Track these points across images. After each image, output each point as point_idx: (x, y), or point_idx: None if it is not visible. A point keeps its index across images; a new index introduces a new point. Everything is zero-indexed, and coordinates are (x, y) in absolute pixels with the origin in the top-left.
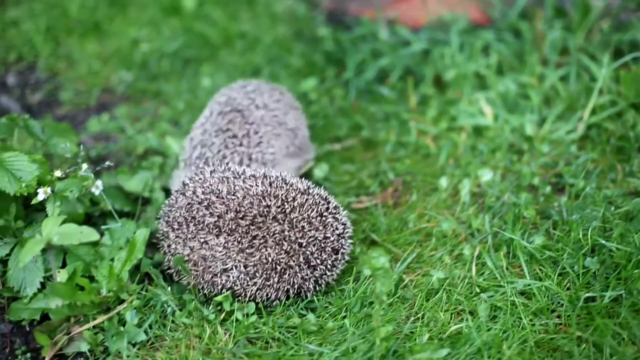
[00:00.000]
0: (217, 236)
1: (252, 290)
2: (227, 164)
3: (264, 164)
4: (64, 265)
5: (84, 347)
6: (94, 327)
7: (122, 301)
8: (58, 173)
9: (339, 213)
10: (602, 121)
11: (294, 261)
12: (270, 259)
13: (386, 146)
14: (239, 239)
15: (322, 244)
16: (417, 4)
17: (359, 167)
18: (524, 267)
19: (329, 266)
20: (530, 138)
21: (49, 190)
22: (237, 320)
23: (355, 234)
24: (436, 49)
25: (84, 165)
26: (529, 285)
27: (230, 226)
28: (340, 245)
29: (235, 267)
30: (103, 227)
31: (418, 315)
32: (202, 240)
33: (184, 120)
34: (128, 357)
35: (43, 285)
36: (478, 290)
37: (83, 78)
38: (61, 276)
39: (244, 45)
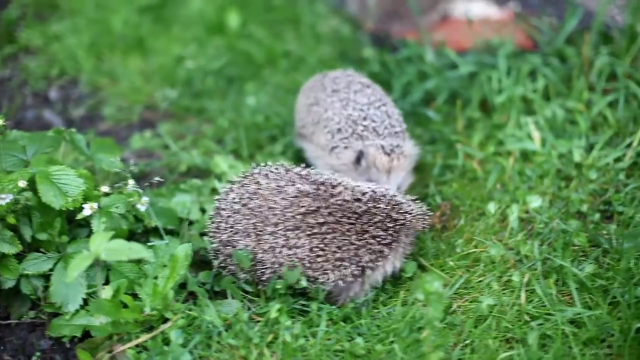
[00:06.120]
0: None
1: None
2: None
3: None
4: (105, 283)
5: None
6: (136, 346)
7: (166, 320)
8: (105, 188)
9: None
10: None
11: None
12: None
13: (433, 169)
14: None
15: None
16: (461, 27)
17: (406, 189)
18: (574, 295)
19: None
20: (578, 165)
21: (95, 205)
22: (284, 342)
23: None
24: (483, 73)
25: (131, 181)
26: (579, 314)
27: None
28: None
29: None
30: (148, 244)
31: (467, 342)
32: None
33: (228, 138)
34: None
35: (85, 301)
36: (528, 318)
37: (125, 94)
38: (106, 293)
39: (289, 65)
